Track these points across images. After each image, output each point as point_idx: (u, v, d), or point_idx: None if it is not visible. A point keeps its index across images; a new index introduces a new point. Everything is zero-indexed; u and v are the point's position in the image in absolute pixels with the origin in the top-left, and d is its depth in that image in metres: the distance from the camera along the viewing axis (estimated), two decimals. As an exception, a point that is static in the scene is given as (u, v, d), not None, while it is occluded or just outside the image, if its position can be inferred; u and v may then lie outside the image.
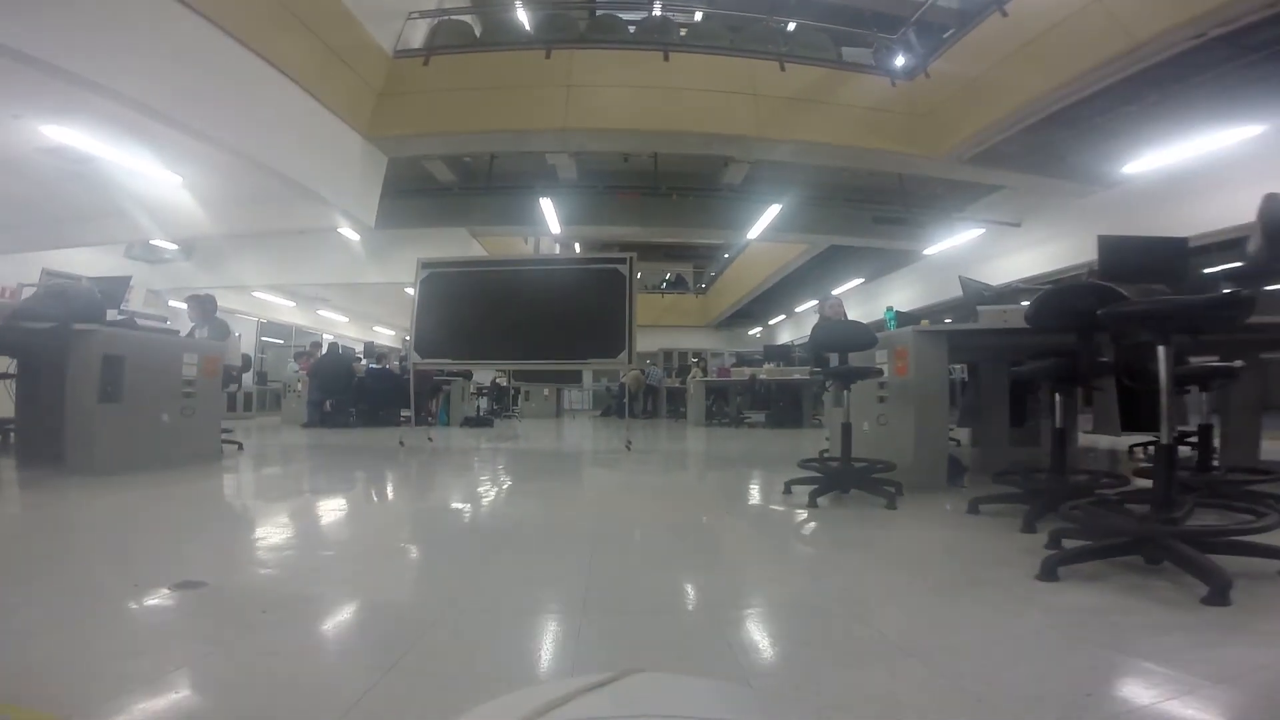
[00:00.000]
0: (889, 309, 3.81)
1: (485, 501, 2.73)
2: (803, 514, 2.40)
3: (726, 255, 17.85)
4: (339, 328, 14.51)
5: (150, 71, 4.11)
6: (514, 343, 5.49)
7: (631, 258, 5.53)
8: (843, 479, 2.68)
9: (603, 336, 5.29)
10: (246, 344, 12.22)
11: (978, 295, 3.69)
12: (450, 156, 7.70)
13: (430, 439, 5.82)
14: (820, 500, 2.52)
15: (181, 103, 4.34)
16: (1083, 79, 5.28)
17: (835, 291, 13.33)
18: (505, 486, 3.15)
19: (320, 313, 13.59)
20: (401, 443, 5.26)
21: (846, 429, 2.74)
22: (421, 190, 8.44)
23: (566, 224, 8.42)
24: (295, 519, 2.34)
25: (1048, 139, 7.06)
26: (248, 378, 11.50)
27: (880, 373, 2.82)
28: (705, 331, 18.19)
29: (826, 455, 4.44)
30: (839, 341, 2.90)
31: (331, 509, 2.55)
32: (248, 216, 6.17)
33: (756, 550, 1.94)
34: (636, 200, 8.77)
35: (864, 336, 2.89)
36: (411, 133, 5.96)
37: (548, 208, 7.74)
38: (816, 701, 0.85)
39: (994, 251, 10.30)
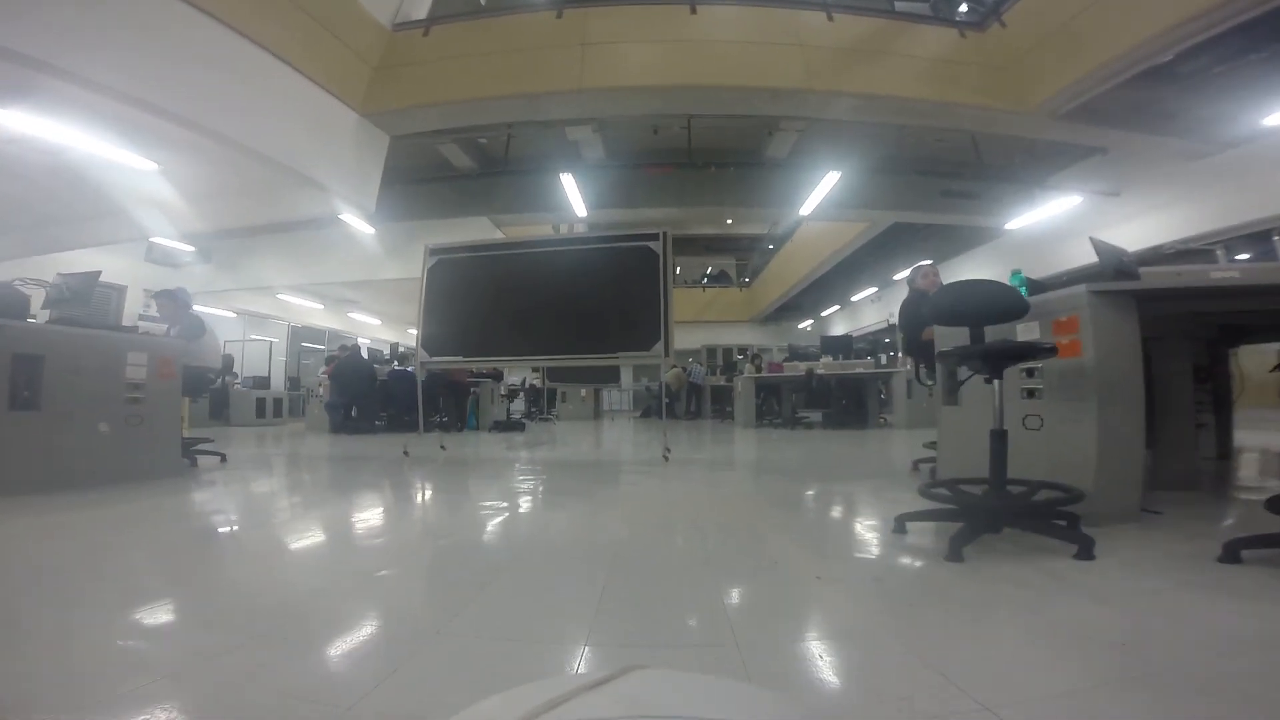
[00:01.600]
0: (1016, 273, 2.80)
1: (454, 548, 1.94)
2: (944, 573, 1.47)
3: (771, 246, 16.73)
4: (373, 331, 14.27)
5: (115, 52, 3.64)
6: (534, 336, 4.72)
7: (665, 233, 4.67)
8: (996, 514, 1.72)
9: (635, 327, 4.46)
10: (279, 350, 12.09)
11: (1116, 260, 2.69)
12: (462, 136, 7.04)
13: (443, 447, 5.12)
14: (964, 549, 1.58)
15: (153, 84, 3.86)
16: (1197, 21, 4.30)
17: (897, 277, 12.03)
18: (495, 519, 2.34)
19: (351, 315, 13.35)
20: (406, 452, 4.56)
21: (999, 439, 1.77)
22: (439, 178, 7.85)
23: (594, 207, 7.64)
24: (166, 575, 1.60)
25: (1156, 92, 5.95)
26: (278, 383, 11.37)
27: (1054, 350, 1.83)
28: (750, 326, 17.09)
29: (924, 465, 3.45)
30: (973, 307, 1.94)
31: (238, 556, 1.81)
32: (241, 208, 5.68)
33: (900, 676, 1.02)
34: (670, 176, 7.89)
35: (1010, 300, 1.92)
36: (411, 104, 5.29)
37: (570, 185, 6.96)
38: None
39: (1086, 226, 8.91)
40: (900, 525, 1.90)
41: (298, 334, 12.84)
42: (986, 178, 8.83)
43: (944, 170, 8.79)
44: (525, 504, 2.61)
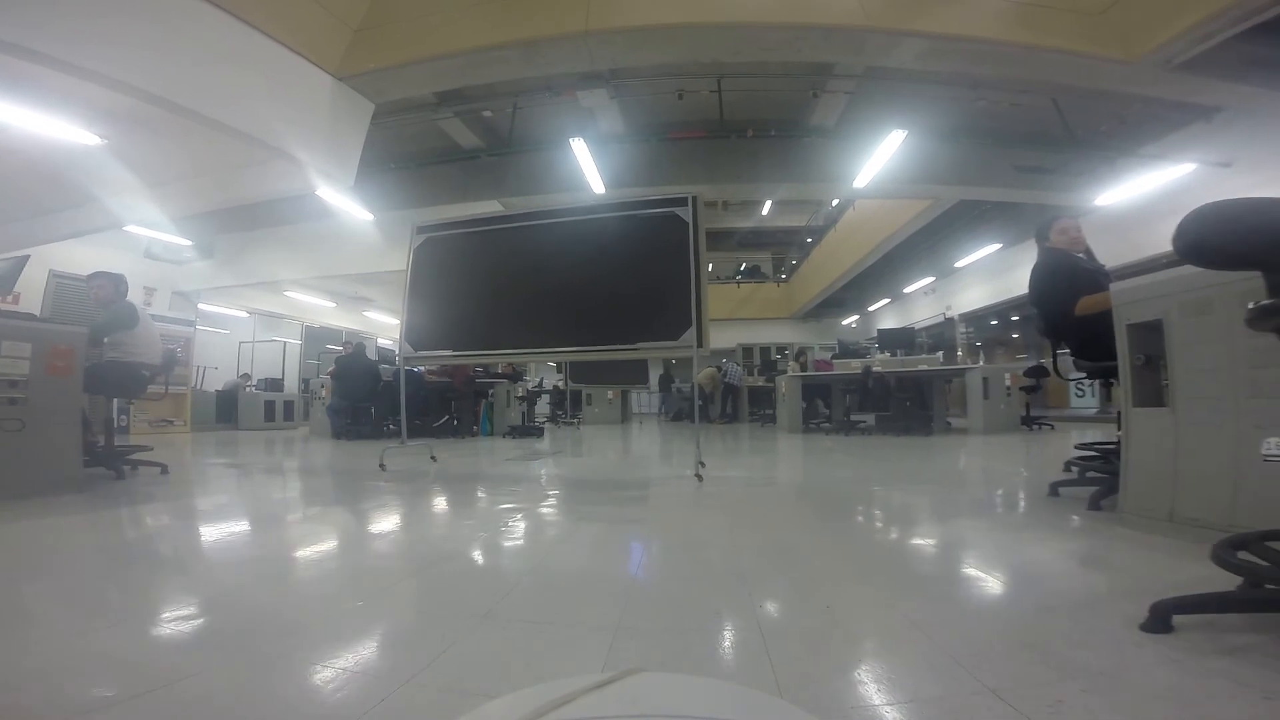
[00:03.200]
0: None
1: (360, 632, 1.10)
2: None
3: (810, 240, 15.61)
4: (391, 331, 13.77)
5: (50, 15, 3.03)
6: (539, 326, 3.90)
7: (694, 198, 3.81)
8: None
9: (661, 312, 3.59)
10: (292, 351, 11.65)
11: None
12: (463, 109, 6.31)
13: (434, 458, 4.34)
14: None
15: (96, 51, 3.23)
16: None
17: (960, 264, 10.77)
18: (438, 578, 1.49)
19: (366, 314, 12.86)
20: (382, 466, 3.78)
21: None
22: (444, 160, 7.16)
23: (612, 185, 6.80)
24: None
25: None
26: (291, 385, 10.91)
27: None
28: (789, 324, 15.95)
29: (1066, 489, 2.45)
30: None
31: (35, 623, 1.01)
32: (207, 186, 5.01)
33: None
34: (699, 144, 6.98)
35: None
36: (393, 63, 4.53)
37: (583, 154, 6.12)
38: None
39: (1187, 202, 7.60)
40: (1162, 620, 0.96)
41: (317, 335, 12.42)
42: (1067, 149, 7.65)
43: (1018, 141, 7.65)
44: (492, 557, 1.75)
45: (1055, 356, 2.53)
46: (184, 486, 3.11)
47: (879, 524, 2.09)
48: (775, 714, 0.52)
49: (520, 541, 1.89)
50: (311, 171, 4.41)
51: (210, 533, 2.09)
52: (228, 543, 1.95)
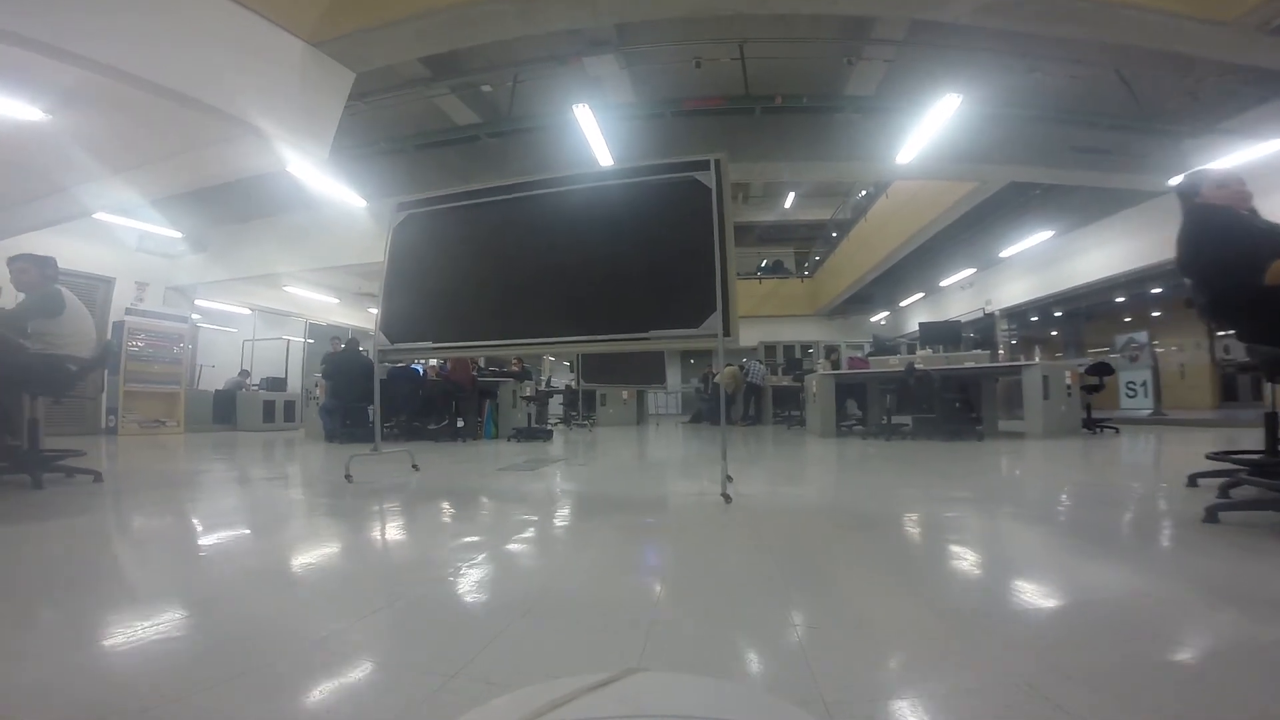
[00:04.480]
0: None
1: None
2: None
3: (835, 234, 14.83)
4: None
5: None
6: (536, 314, 3.32)
7: (717, 161, 3.19)
8: None
9: (679, 295, 2.99)
10: (295, 349, 11.30)
11: None
12: (459, 83, 5.79)
13: (415, 467, 3.80)
14: None
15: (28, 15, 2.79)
16: None
17: (1007, 253, 9.92)
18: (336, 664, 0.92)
19: (371, 310, 12.46)
20: (348, 476, 3.25)
21: None
22: (444, 142, 6.67)
23: (621, 163, 6.23)
24: None
25: None
26: (295, 384, 10.53)
27: None
28: (814, 321, 15.20)
29: (1231, 513, 1.79)
30: None
31: None
32: (171, 166, 4.56)
33: None
34: (719, 121, 6.36)
35: None
36: (373, 24, 4.02)
37: (588, 122, 5.55)
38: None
39: (1260, 186, 6.79)
40: None
41: (324, 333, 12.04)
42: (1132, 128, 6.89)
43: (1077, 119, 6.90)
44: (420, 640, 1.18)
45: (1213, 340, 1.87)
46: (108, 500, 2.60)
47: (1001, 578, 1.45)
48: (774, 713, 0.52)
49: (469, 600, 1.31)
50: (282, 146, 3.91)
51: (78, 571, 1.55)
52: (89, 586, 1.40)
